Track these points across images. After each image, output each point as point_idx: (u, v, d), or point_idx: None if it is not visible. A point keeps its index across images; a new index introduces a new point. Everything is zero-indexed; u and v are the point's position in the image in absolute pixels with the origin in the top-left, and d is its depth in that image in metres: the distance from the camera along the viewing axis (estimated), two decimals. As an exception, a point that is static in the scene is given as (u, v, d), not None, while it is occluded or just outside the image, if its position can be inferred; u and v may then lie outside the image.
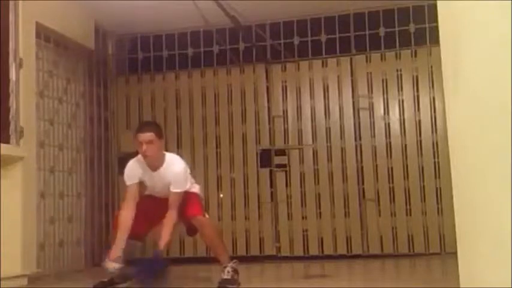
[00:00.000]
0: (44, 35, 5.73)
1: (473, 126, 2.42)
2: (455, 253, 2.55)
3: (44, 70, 5.83)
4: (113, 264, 4.17)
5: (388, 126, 6.51)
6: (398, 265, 5.96)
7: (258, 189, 6.69)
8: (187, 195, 4.42)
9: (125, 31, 7.01)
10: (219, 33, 6.94)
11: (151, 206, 4.39)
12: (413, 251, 6.28)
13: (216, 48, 7.03)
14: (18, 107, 5.11)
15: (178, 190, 4.30)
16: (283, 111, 6.74)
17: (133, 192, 4.35)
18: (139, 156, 4.34)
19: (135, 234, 4.47)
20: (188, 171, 4.50)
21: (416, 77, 6.50)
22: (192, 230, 4.56)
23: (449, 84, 2.62)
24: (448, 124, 2.63)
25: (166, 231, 4.25)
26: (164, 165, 4.34)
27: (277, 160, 6.68)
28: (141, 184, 4.46)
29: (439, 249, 6.21)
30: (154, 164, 4.32)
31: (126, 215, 4.29)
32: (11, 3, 5.13)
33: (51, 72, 5.94)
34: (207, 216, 4.53)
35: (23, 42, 5.19)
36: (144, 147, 4.22)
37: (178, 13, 6.38)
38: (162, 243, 4.22)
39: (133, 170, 4.37)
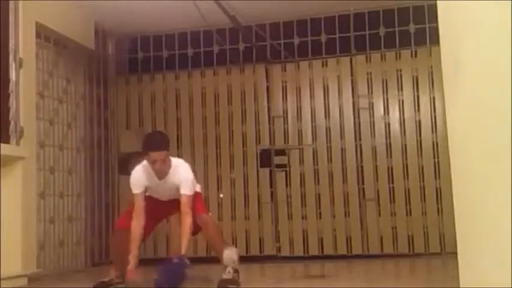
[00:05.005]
0: (44, 35, 5.73)
1: (473, 126, 2.41)
2: (455, 253, 2.55)
3: (44, 70, 5.83)
4: (135, 281, 4.14)
5: (388, 126, 6.51)
6: (398, 265, 5.96)
7: (258, 189, 6.69)
8: None
9: (125, 31, 7.01)
10: (219, 33, 6.94)
11: (153, 207, 4.38)
12: (413, 251, 6.28)
13: (216, 48, 7.03)
14: (18, 107, 5.11)
15: (188, 193, 4.26)
16: (283, 111, 6.74)
17: (141, 201, 4.31)
18: (145, 163, 4.32)
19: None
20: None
21: (416, 77, 6.50)
22: (193, 229, 4.53)
23: (449, 83, 2.62)
24: (448, 124, 2.63)
25: (185, 240, 4.18)
26: (170, 171, 4.32)
27: (277, 160, 6.68)
28: None
29: (439, 249, 6.20)
30: (164, 174, 4.31)
31: (137, 225, 4.26)
32: (11, 3, 5.13)
33: (51, 72, 5.94)
34: (210, 214, 4.53)
35: (23, 42, 5.20)
36: (158, 165, 4.20)
37: (178, 13, 6.38)
38: (183, 251, 4.15)
39: (140, 179, 4.33)
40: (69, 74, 6.24)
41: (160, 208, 4.46)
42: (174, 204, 4.36)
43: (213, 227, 4.48)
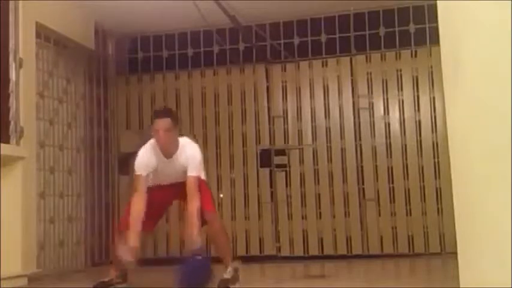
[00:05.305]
0: (44, 35, 5.73)
1: (473, 126, 2.42)
2: (455, 253, 2.55)
3: (44, 70, 5.83)
4: (128, 256, 3.95)
5: (388, 126, 6.51)
6: (398, 265, 5.96)
7: (258, 189, 6.69)
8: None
9: (125, 31, 7.01)
10: (219, 33, 6.94)
11: (157, 198, 4.22)
12: (413, 251, 6.28)
13: (216, 48, 7.03)
14: (18, 107, 5.11)
15: (195, 174, 4.11)
16: (283, 111, 6.74)
17: (144, 183, 4.11)
18: (152, 142, 4.18)
19: (144, 228, 4.36)
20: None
21: (416, 77, 6.50)
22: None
23: (449, 83, 2.62)
24: (448, 124, 2.63)
25: (194, 228, 3.95)
26: (178, 152, 4.18)
27: (277, 160, 6.68)
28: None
29: (439, 249, 6.20)
30: (170, 152, 4.16)
31: (139, 207, 4.05)
32: (11, 3, 5.14)
33: (51, 72, 5.94)
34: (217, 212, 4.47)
35: (23, 42, 5.20)
36: (161, 134, 4.07)
37: (178, 13, 6.38)
38: (195, 239, 3.96)
39: (147, 160, 4.16)
40: (69, 74, 6.24)
41: (164, 197, 4.33)
42: (178, 189, 4.22)
43: (220, 225, 4.42)
